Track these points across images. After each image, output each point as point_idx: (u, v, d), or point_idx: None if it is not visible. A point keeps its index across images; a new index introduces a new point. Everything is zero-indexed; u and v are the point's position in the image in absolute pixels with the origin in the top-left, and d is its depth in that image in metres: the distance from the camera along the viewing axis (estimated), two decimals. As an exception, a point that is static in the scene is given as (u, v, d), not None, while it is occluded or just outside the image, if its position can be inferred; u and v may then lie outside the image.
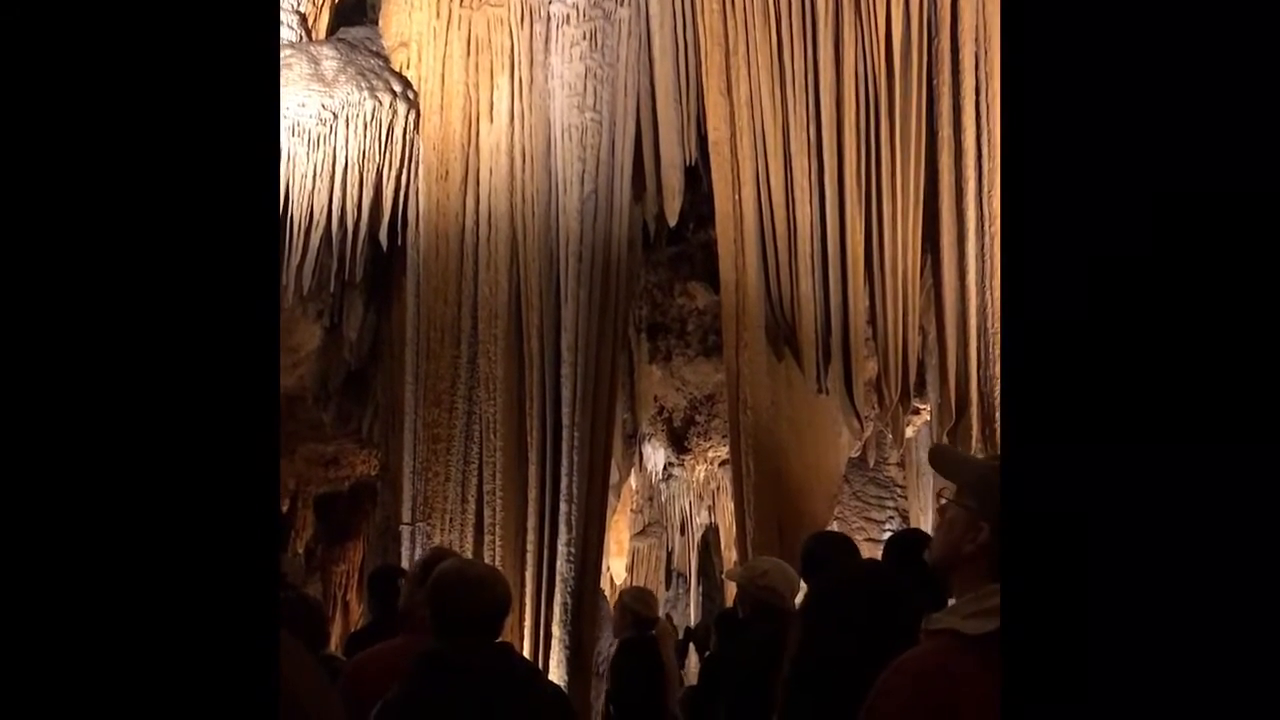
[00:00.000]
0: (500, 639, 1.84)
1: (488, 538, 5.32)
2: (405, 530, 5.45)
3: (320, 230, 5.28)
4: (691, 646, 6.65)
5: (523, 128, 5.31)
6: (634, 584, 7.55)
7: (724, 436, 6.72)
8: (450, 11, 5.41)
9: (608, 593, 6.58)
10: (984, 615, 1.21)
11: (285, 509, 7.40)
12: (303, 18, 5.52)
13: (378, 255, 5.57)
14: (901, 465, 7.81)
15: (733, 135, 5.09)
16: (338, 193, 5.30)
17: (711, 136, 5.19)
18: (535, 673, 1.94)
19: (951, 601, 1.33)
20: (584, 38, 5.23)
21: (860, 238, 4.95)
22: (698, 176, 5.50)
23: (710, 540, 8.58)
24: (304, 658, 1.22)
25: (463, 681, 1.72)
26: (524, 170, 5.31)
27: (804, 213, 4.95)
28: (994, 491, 1.22)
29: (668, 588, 8.65)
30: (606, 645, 5.26)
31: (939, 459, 1.45)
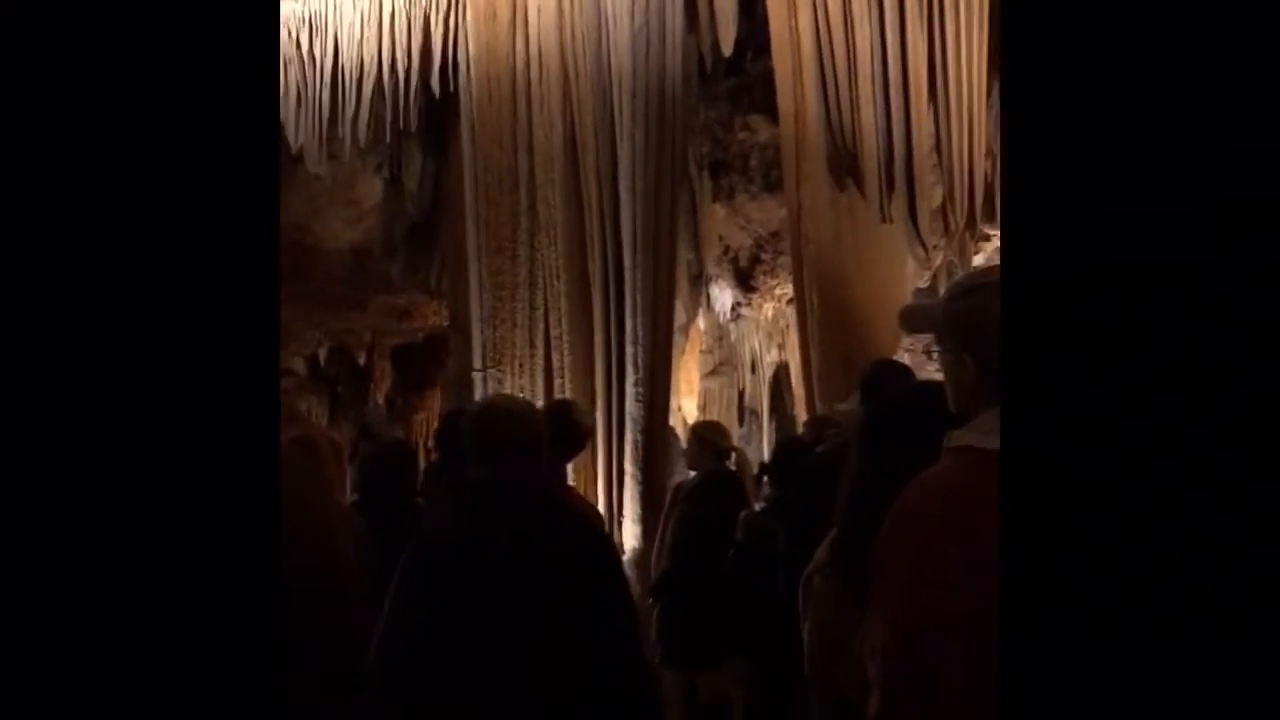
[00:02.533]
0: (538, 468, 1.90)
1: (557, 381, 5.43)
2: (477, 376, 5.59)
3: (372, 80, 5.26)
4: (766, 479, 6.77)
5: (569, -39, 5.14)
6: (711, 419, 7.66)
7: (790, 274, 6.66)
8: None
9: (680, 431, 6.70)
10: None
11: (363, 361, 7.63)
12: None
13: (431, 103, 5.53)
14: (974, 295, 7.66)
15: (787, -44, 4.85)
16: (386, 40, 5.25)
17: (765, -42, 4.96)
18: (566, 498, 2.02)
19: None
20: None
21: (923, 59, 4.73)
22: (754, 2, 5.28)
23: (781, 377, 8.61)
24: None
25: (496, 509, 1.79)
26: (572, 6, 5.16)
27: (863, 34, 4.73)
28: (958, 320, 1.28)
29: (740, 425, 8.75)
30: (680, 479, 5.39)
31: (906, 320, 1.48)
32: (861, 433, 1.97)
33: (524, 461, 1.84)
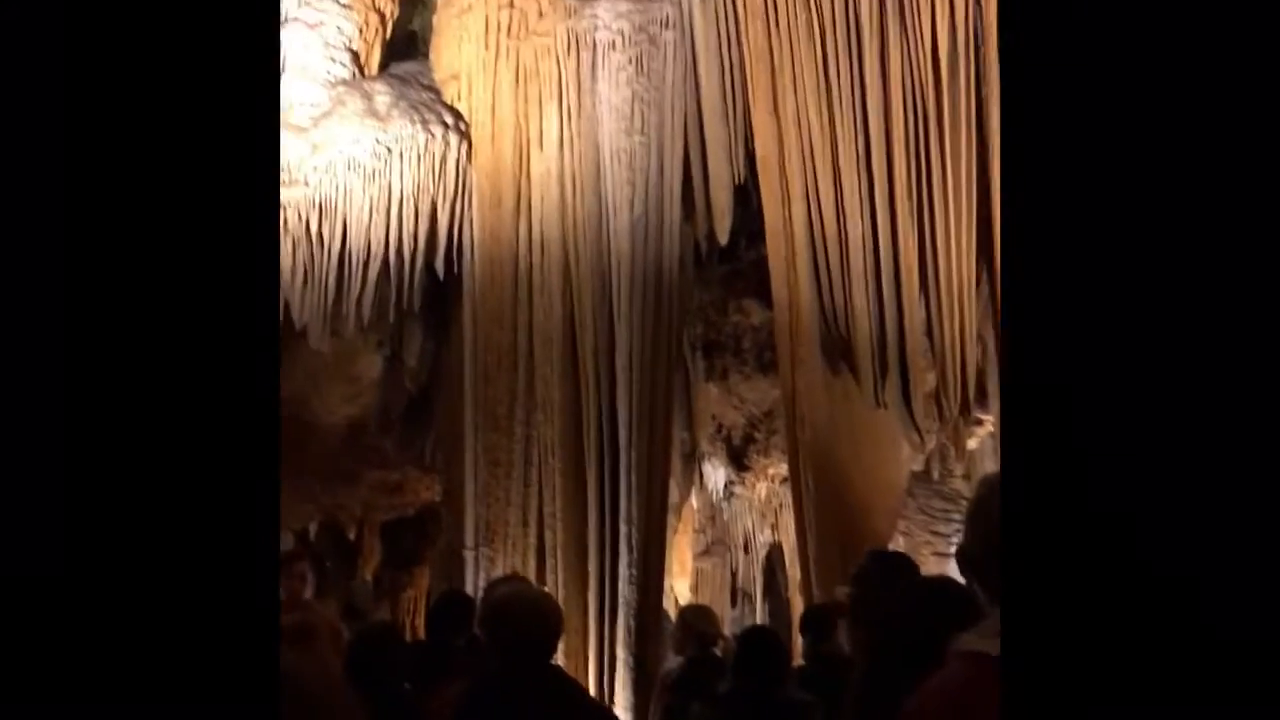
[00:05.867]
0: (556, 661, 1.88)
1: (549, 561, 5.36)
2: (468, 555, 5.51)
3: (378, 262, 5.40)
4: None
5: (572, 153, 5.37)
6: (698, 604, 7.52)
7: (784, 453, 6.67)
8: (499, 43, 5.50)
9: (673, 614, 6.56)
10: None
11: (352, 536, 7.52)
12: (355, 55, 5.65)
13: (435, 284, 5.67)
14: (967, 478, 7.69)
15: (780, 152, 5.08)
16: (394, 225, 5.42)
17: (759, 154, 5.20)
18: (584, 693, 1.99)
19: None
20: (630, 62, 5.28)
21: (913, 249, 4.91)
22: (747, 193, 5.50)
23: (775, 558, 8.52)
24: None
25: (517, 704, 1.76)
26: (574, 195, 5.36)
27: (855, 226, 4.92)
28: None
29: (733, 607, 8.59)
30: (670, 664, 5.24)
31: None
32: (865, 633, 1.95)
33: (541, 653, 1.82)
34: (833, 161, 4.96)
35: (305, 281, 5.36)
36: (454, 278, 5.63)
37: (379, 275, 5.43)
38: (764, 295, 6.10)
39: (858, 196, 4.92)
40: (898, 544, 6.53)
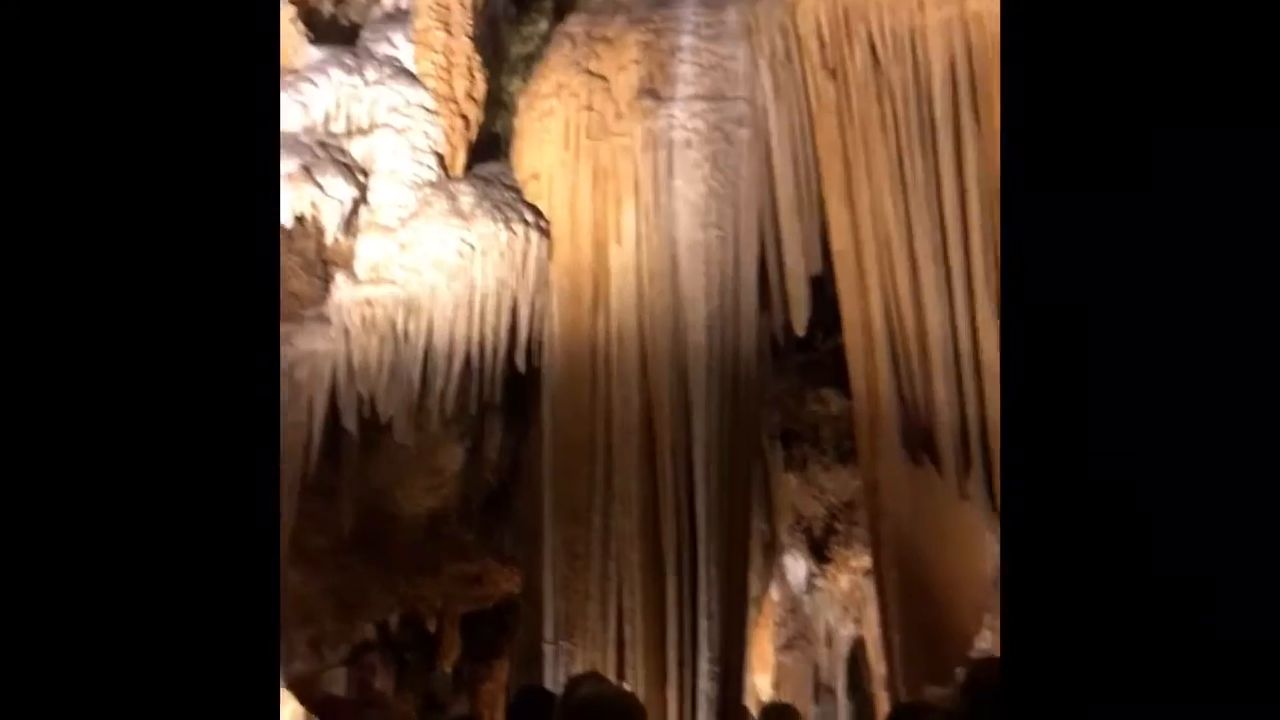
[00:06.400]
0: None
1: (629, 655, 5.30)
2: (548, 649, 5.48)
3: (461, 357, 5.53)
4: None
5: (649, 249, 5.47)
6: (780, 700, 7.34)
7: (866, 545, 6.57)
8: (578, 144, 5.67)
9: (754, 710, 6.42)
10: None
11: (433, 628, 7.54)
12: (440, 158, 5.87)
13: (515, 377, 5.77)
14: (1057, 570, 7.45)
15: (856, 245, 5.12)
16: (476, 320, 5.56)
17: (835, 247, 5.24)
18: None
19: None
20: (705, 160, 5.39)
21: (994, 339, 4.86)
22: (824, 285, 5.53)
23: (858, 653, 8.29)
24: None
25: None
26: (651, 289, 5.44)
27: (933, 317, 4.90)
28: None
29: (816, 703, 8.35)
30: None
31: None
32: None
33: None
34: (909, 252, 4.97)
35: (391, 377, 5.50)
36: (534, 371, 5.73)
37: (462, 369, 5.55)
38: (842, 384, 6.07)
39: (935, 286, 4.91)
40: (985, 639, 6.33)
